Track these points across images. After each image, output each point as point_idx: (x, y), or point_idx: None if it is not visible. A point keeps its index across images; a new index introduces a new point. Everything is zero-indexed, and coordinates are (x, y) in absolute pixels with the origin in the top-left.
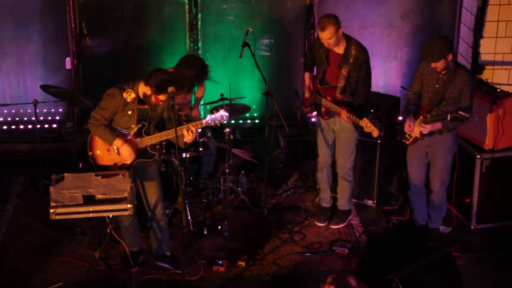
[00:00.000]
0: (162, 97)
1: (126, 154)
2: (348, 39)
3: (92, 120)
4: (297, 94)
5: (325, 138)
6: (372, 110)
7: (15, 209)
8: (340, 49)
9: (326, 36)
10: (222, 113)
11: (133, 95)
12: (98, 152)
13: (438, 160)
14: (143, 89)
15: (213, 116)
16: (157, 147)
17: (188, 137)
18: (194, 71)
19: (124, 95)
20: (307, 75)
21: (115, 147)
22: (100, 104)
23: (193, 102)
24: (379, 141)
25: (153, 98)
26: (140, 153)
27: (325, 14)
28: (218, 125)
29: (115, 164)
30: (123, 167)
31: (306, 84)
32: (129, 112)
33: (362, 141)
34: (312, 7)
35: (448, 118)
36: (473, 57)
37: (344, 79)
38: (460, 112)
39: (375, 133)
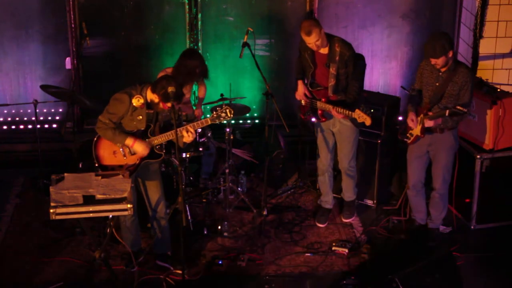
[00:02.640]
0: (170, 104)
1: (141, 149)
2: (330, 38)
3: (99, 124)
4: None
5: (326, 141)
6: (372, 110)
7: (15, 209)
8: (324, 49)
9: (313, 39)
10: (227, 110)
11: (141, 101)
12: (104, 154)
13: (439, 159)
14: (151, 96)
15: (218, 114)
16: (157, 147)
17: (187, 138)
18: (198, 61)
19: (133, 101)
20: (300, 83)
21: (120, 149)
22: (108, 109)
23: (193, 101)
24: (379, 141)
25: (161, 105)
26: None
27: (304, 19)
28: (223, 121)
29: (122, 166)
30: (130, 168)
31: (301, 92)
32: (139, 118)
33: (362, 141)
34: (312, 7)
35: (447, 114)
36: (473, 57)
37: (334, 78)
38: (458, 107)
39: (368, 121)
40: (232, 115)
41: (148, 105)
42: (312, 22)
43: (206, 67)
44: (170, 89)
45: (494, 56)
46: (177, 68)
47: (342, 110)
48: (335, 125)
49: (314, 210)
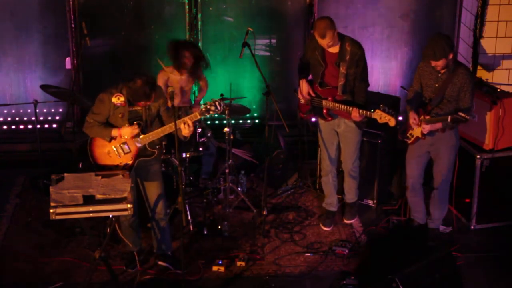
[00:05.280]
0: (141, 104)
1: (129, 132)
2: (341, 37)
3: (86, 124)
4: (297, 93)
5: (329, 142)
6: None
7: (15, 209)
8: (335, 48)
9: (326, 41)
10: (216, 103)
11: (122, 99)
12: (99, 154)
13: (441, 158)
14: (127, 95)
15: (207, 107)
16: (157, 146)
17: (185, 130)
18: (189, 51)
19: (113, 99)
20: (303, 82)
21: (114, 148)
22: (93, 109)
23: (193, 101)
24: (379, 141)
25: (139, 104)
26: (140, 152)
27: (319, 17)
28: (213, 114)
29: (117, 165)
30: (126, 167)
31: (305, 91)
32: (119, 116)
33: (362, 141)
34: (312, 7)
35: (449, 120)
36: (473, 57)
37: (343, 77)
38: (460, 114)
39: (392, 122)
40: (221, 108)
41: (131, 102)
42: (327, 24)
43: (196, 56)
44: (135, 86)
45: (494, 56)
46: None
47: (362, 111)
48: (339, 126)
49: (319, 214)
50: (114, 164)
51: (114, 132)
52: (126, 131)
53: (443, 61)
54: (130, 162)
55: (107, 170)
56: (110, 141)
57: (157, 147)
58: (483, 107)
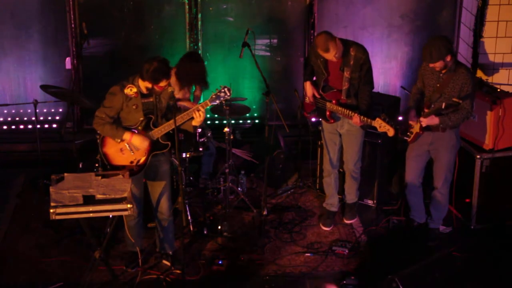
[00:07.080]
0: (162, 83)
1: (138, 143)
2: (345, 43)
3: (96, 120)
4: (297, 93)
5: (332, 143)
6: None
7: (15, 209)
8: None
9: (332, 54)
10: (225, 89)
11: (134, 90)
12: (111, 153)
13: (441, 158)
14: (142, 84)
15: (216, 94)
16: (162, 137)
17: (198, 119)
18: (203, 67)
19: (125, 91)
20: (308, 84)
21: (126, 145)
22: (104, 103)
23: (192, 100)
24: (379, 141)
25: (156, 88)
26: (153, 146)
27: (318, 34)
28: (223, 101)
29: (131, 162)
30: (139, 164)
31: (309, 93)
32: (134, 107)
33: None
34: (312, 7)
35: (443, 106)
36: (473, 57)
37: (347, 81)
38: (454, 99)
39: (391, 132)
40: (230, 94)
41: (143, 94)
42: (326, 37)
43: (206, 74)
44: (153, 67)
45: (494, 56)
46: (180, 69)
47: (362, 117)
48: (343, 126)
49: (319, 213)
50: (128, 161)
51: (126, 136)
52: (136, 140)
53: (441, 63)
54: (143, 158)
55: (121, 169)
56: (120, 140)
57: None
58: (483, 107)
